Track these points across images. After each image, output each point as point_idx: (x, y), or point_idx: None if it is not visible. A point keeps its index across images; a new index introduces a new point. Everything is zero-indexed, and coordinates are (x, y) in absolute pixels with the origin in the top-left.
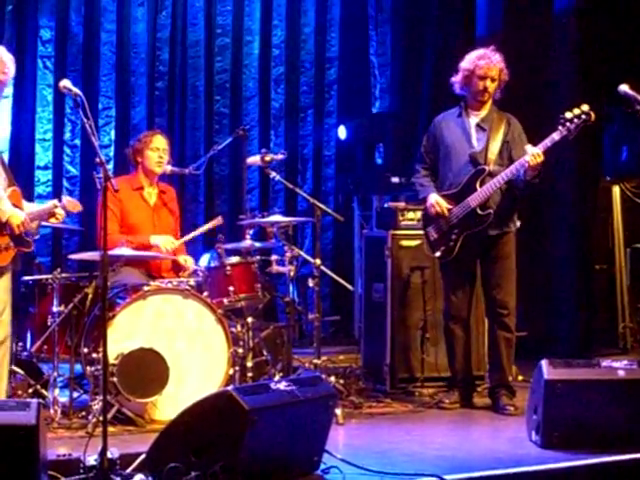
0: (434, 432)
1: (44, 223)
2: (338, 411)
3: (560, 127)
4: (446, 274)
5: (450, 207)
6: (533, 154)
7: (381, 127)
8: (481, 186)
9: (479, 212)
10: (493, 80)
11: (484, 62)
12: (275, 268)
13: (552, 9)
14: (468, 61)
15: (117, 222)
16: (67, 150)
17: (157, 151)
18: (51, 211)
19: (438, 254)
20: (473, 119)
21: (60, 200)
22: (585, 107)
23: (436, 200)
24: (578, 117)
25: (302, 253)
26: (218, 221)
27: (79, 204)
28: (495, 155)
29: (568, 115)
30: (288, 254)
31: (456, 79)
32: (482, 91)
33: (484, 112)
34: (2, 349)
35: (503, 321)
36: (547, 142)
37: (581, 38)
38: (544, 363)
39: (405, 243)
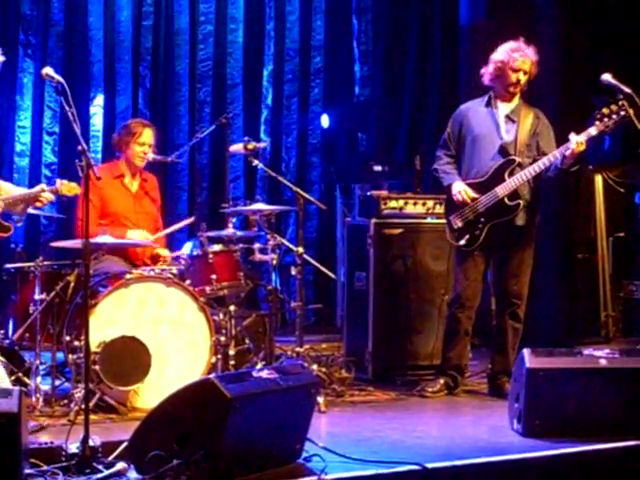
0: (416, 420)
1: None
2: (320, 399)
3: (597, 122)
4: (462, 261)
5: (476, 196)
6: (577, 142)
7: (364, 115)
8: (510, 176)
9: (507, 202)
10: (525, 73)
11: (518, 54)
12: (258, 256)
13: None
14: (501, 53)
15: (96, 213)
16: (46, 137)
17: (143, 146)
18: (37, 195)
19: (462, 242)
20: (502, 110)
21: (53, 184)
22: (623, 102)
23: (463, 189)
24: (617, 113)
25: (285, 241)
26: (190, 220)
27: (77, 186)
28: (524, 146)
29: (605, 111)
30: (271, 242)
31: (487, 70)
32: (515, 84)
33: (513, 104)
34: None
35: (515, 311)
36: (583, 135)
37: (564, 28)
38: (526, 352)
39: (388, 231)
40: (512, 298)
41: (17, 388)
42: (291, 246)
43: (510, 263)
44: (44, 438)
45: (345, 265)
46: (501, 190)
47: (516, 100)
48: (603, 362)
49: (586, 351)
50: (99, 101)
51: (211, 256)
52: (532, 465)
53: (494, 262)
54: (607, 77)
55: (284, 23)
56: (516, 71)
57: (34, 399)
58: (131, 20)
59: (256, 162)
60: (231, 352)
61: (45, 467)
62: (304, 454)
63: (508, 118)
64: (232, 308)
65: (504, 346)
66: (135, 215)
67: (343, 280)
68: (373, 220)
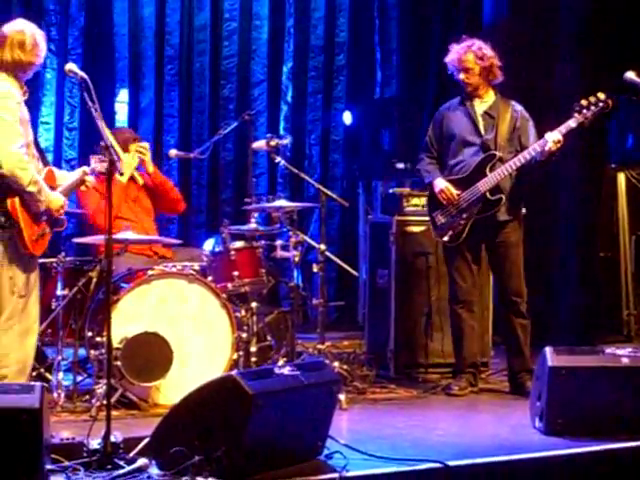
0: (438, 418)
1: None
2: (342, 396)
3: (576, 114)
4: (452, 259)
5: (459, 192)
6: (554, 140)
7: (386, 112)
8: (491, 171)
9: (489, 197)
10: (467, 70)
11: (452, 57)
12: (280, 253)
13: None
14: (447, 55)
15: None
16: (66, 133)
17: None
18: (81, 179)
19: (446, 238)
20: (480, 107)
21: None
22: (602, 95)
23: (445, 186)
24: (595, 104)
25: (307, 238)
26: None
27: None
28: (505, 141)
29: (584, 102)
30: (293, 239)
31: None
32: (463, 84)
33: (490, 100)
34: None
35: (518, 309)
36: (562, 129)
37: (587, 25)
38: (548, 350)
39: (410, 229)
40: (512, 296)
41: (39, 384)
42: (313, 243)
43: (503, 261)
44: (65, 434)
45: (367, 262)
46: (483, 185)
47: (491, 96)
48: (625, 361)
49: (608, 350)
50: (123, 97)
51: (233, 253)
52: (554, 463)
53: (488, 260)
54: (630, 75)
55: (307, 20)
56: (458, 72)
57: (56, 395)
58: (155, 16)
59: (278, 159)
60: (253, 349)
61: (66, 463)
62: (325, 451)
63: (487, 114)
64: (254, 305)
65: (518, 345)
66: (128, 211)
67: (365, 277)
68: (395, 217)
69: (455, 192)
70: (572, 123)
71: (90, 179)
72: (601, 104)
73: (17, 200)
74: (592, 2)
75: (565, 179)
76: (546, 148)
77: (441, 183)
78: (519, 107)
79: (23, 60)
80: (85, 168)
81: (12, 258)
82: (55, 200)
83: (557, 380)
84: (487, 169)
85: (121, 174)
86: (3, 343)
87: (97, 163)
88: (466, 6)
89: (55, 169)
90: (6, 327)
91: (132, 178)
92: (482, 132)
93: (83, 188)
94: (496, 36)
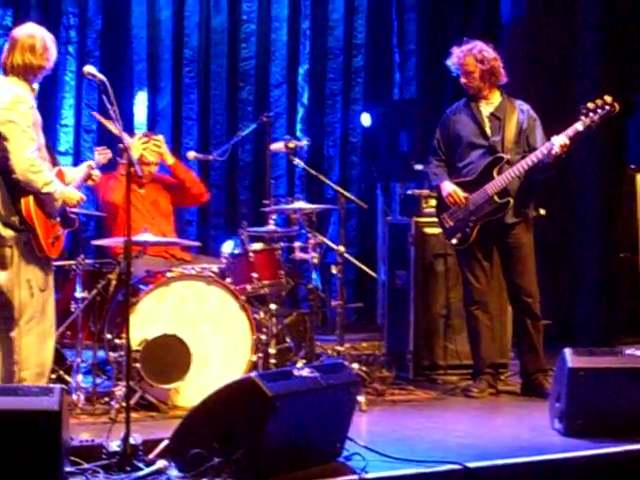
0: (457, 420)
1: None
2: (361, 398)
3: (583, 117)
4: (465, 260)
5: (466, 195)
6: (560, 144)
7: (405, 114)
8: (499, 174)
9: (497, 200)
10: (468, 74)
11: (452, 61)
12: (298, 255)
13: None
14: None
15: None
16: (84, 135)
17: (149, 165)
18: (88, 174)
19: (454, 241)
20: (486, 109)
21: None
22: (608, 98)
23: (453, 190)
24: (601, 107)
25: (325, 240)
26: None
27: (109, 151)
28: (512, 143)
29: (591, 105)
30: (311, 241)
31: None
32: (466, 87)
33: (496, 101)
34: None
35: (530, 309)
36: (569, 132)
37: (606, 24)
38: (567, 351)
39: (428, 230)
40: (523, 297)
41: (58, 386)
42: (332, 245)
43: (513, 262)
44: (85, 436)
45: (386, 264)
46: (490, 188)
47: (497, 97)
48: None
49: (628, 351)
50: (141, 99)
51: (252, 254)
52: (573, 465)
53: (500, 262)
54: None
55: (325, 22)
56: (460, 76)
57: (75, 397)
58: (172, 19)
59: (297, 161)
60: (272, 350)
61: (86, 465)
62: (345, 453)
63: (493, 116)
64: (273, 306)
65: (532, 346)
66: (145, 214)
67: (384, 279)
68: (414, 219)
69: (462, 195)
70: (579, 126)
71: (96, 172)
72: (607, 107)
73: (31, 200)
74: (612, 5)
75: (584, 180)
76: (552, 152)
77: (448, 186)
78: (526, 107)
79: (34, 64)
80: (90, 162)
81: (29, 261)
82: (71, 195)
83: (576, 381)
84: (494, 172)
85: (140, 177)
86: (23, 346)
87: (100, 155)
88: (484, 6)
89: (64, 168)
90: (26, 329)
91: (153, 181)
92: (489, 134)
93: (90, 182)
94: (515, 35)
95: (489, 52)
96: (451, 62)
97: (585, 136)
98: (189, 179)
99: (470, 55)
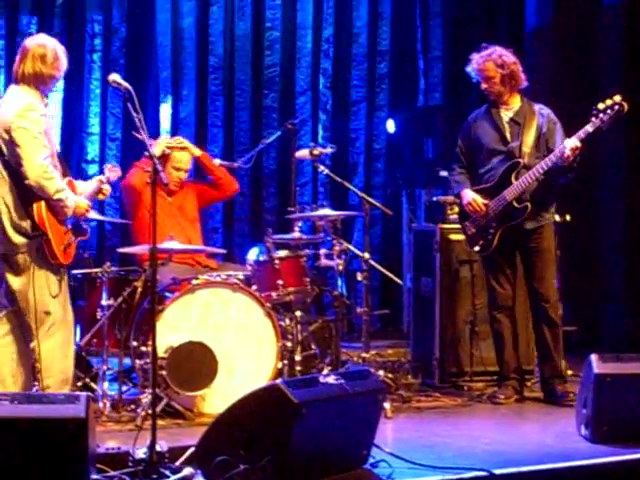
0: (483, 426)
1: (93, 216)
2: (387, 405)
3: (593, 118)
4: (489, 266)
5: (486, 202)
6: (571, 147)
7: (430, 120)
8: (516, 179)
9: (515, 205)
10: (488, 79)
11: (472, 68)
12: (323, 262)
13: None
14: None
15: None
16: (109, 143)
17: (179, 171)
18: (98, 188)
19: (477, 248)
20: (506, 114)
21: (102, 173)
22: (617, 97)
23: (473, 198)
24: (611, 108)
25: (351, 247)
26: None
27: (119, 169)
28: (530, 148)
29: (601, 106)
30: (337, 248)
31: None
32: (487, 92)
33: (516, 106)
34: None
35: (547, 314)
36: (581, 134)
37: (629, 27)
38: (593, 357)
39: (454, 237)
40: (541, 302)
41: (84, 394)
42: (357, 252)
43: (532, 267)
44: (111, 443)
45: (411, 271)
46: (509, 194)
47: (517, 101)
48: None
49: None
50: (166, 107)
51: (277, 262)
52: (600, 471)
53: (522, 266)
54: None
55: (350, 28)
56: (481, 81)
57: (101, 404)
58: (195, 27)
59: (322, 168)
60: (297, 358)
61: (112, 473)
62: (371, 460)
63: (513, 121)
64: (298, 314)
65: (548, 352)
66: (172, 221)
67: (409, 286)
68: (439, 225)
69: (482, 202)
70: (589, 128)
71: (107, 187)
72: (616, 107)
73: (43, 206)
74: (635, 4)
75: (610, 184)
76: (564, 155)
77: (468, 195)
78: (546, 111)
79: (44, 73)
80: (101, 177)
81: (41, 267)
82: (80, 204)
83: (603, 387)
84: (512, 177)
85: (165, 184)
86: (45, 354)
87: (111, 172)
88: (509, 12)
89: (74, 181)
90: (47, 336)
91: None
92: (509, 140)
93: (100, 196)
94: (540, 41)
95: (509, 57)
96: (471, 68)
97: (610, 134)
98: (217, 169)
99: (490, 60)
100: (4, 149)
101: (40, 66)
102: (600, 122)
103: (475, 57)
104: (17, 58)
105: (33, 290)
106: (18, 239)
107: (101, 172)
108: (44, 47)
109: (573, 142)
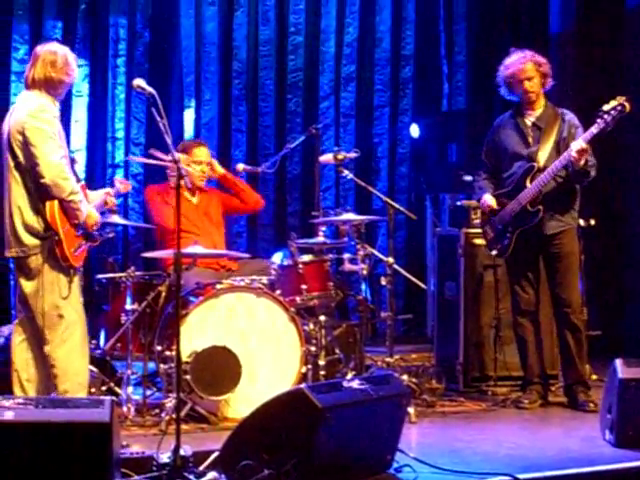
0: (507, 431)
1: (117, 220)
2: (411, 410)
3: (598, 120)
4: (512, 271)
5: (498, 207)
6: (577, 150)
7: (454, 125)
8: (531, 183)
9: (529, 209)
10: (530, 79)
11: (511, 70)
12: (348, 266)
13: (625, 4)
14: (502, 70)
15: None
16: (133, 148)
17: (201, 164)
18: (104, 200)
19: (495, 252)
20: (529, 119)
21: (112, 185)
22: (620, 98)
23: (488, 203)
24: (614, 109)
25: (375, 251)
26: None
27: (129, 183)
28: (547, 152)
29: (605, 107)
30: (361, 252)
31: (501, 89)
32: (526, 92)
33: (539, 110)
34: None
35: (569, 319)
36: (587, 136)
37: None
38: (618, 362)
39: (478, 241)
40: (563, 307)
41: (109, 398)
42: (381, 256)
43: (555, 272)
44: (135, 448)
45: (435, 275)
46: (523, 198)
47: (541, 106)
48: None
49: None
50: (190, 111)
51: (301, 266)
52: (624, 476)
53: (544, 271)
54: None
55: (373, 33)
56: (521, 82)
57: (125, 409)
58: (217, 32)
59: (346, 172)
60: (321, 362)
61: (136, 477)
62: (395, 464)
63: (535, 126)
64: (322, 318)
65: (571, 358)
66: (197, 225)
67: (433, 290)
68: (463, 230)
69: (492, 204)
70: (594, 129)
71: (112, 200)
72: (619, 107)
73: (56, 205)
74: None
75: (634, 190)
76: (571, 157)
77: (486, 199)
78: (569, 116)
79: (54, 77)
80: (109, 190)
81: (53, 269)
82: (91, 214)
83: (627, 392)
84: (527, 181)
85: (189, 188)
86: (61, 357)
87: (121, 185)
88: (533, 16)
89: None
90: (62, 340)
91: (204, 190)
92: (530, 144)
93: (106, 207)
94: (564, 45)
95: (540, 57)
96: (509, 72)
97: (603, 138)
98: (242, 187)
99: (529, 60)
100: (18, 152)
101: (50, 71)
102: (604, 123)
103: (511, 60)
104: (28, 64)
105: (43, 291)
106: (30, 240)
107: (127, 177)
108: (54, 53)
109: (579, 144)
